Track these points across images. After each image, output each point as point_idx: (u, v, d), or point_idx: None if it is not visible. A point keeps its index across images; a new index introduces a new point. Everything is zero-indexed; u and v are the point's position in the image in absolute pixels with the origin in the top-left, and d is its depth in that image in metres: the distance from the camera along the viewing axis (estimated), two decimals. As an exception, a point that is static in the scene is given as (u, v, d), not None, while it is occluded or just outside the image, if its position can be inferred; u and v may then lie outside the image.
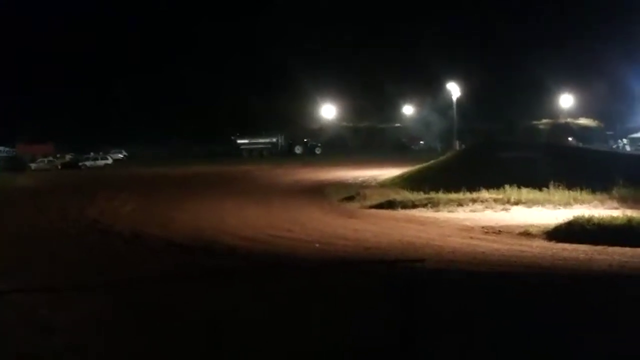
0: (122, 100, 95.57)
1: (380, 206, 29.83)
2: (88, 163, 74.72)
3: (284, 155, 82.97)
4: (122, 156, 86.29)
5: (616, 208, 26.21)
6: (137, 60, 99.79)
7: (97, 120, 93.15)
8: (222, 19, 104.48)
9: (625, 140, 73.44)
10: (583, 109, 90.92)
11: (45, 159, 75.62)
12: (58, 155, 79.74)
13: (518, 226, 22.58)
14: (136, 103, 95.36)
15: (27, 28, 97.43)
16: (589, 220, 21.00)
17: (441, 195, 29.83)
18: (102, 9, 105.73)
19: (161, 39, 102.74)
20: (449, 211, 27.54)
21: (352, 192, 35.01)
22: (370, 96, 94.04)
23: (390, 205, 29.55)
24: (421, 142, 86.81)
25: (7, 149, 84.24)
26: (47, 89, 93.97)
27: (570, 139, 76.81)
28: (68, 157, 79.98)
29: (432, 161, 42.87)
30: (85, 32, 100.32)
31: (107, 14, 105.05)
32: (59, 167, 74.12)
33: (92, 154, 78.54)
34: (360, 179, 44.07)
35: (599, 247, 18.38)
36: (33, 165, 73.24)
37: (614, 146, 71.86)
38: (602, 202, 27.53)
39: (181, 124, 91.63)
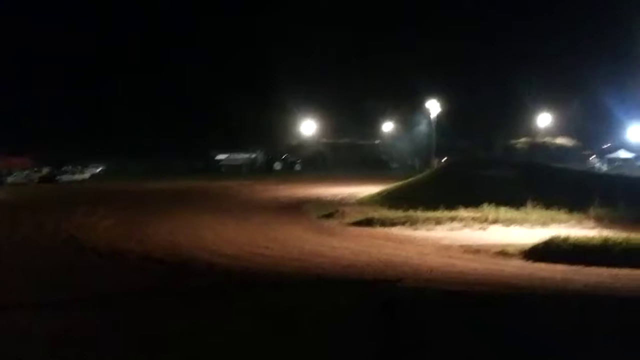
0: (96, 110, 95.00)
1: (359, 224, 29.83)
2: (65, 177, 74.03)
3: (263, 171, 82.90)
4: (99, 170, 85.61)
5: (593, 228, 26.44)
6: (127, 63, 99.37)
7: (78, 128, 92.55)
8: (198, 37, 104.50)
9: (602, 160, 74.27)
10: (561, 128, 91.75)
11: (22, 173, 74.82)
12: (35, 169, 78.94)
13: (496, 245, 22.66)
14: (119, 114, 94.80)
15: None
16: (566, 240, 21.14)
17: (419, 214, 29.92)
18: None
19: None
20: (427, 229, 27.60)
21: (331, 210, 34.98)
22: (350, 113, 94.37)
23: (368, 222, 29.56)
24: (395, 164, 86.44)
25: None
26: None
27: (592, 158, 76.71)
28: (45, 170, 79.13)
29: (410, 179, 43.02)
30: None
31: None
32: (36, 181, 73.39)
33: (70, 167, 77.85)
34: (339, 196, 44.05)
35: (575, 267, 18.50)
36: (9, 179, 72.42)
37: (591, 166, 72.53)
38: (579, 222, 27.77)
39: (159, 139, 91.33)
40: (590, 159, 75.53)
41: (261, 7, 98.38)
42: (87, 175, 76.66)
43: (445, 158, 66.22)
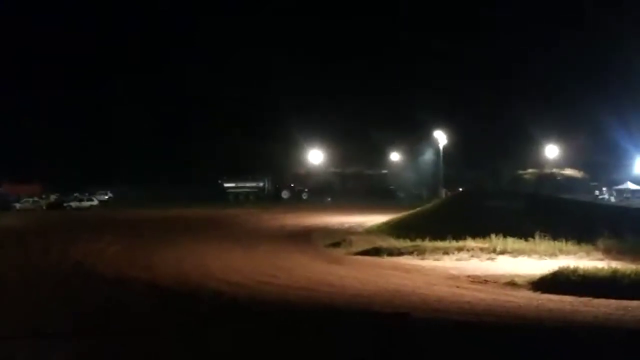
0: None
1: (366, 253, 29.76)
2: (73, 204, 74.34)
3: (270, 199, 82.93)
4: (107, 197, 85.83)
5: (601, 259, 26.26)
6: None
7: (84, 155, 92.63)
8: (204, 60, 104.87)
9: (610, 191, 74.08)
10: (569, 160, 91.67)
11: (31, 199, 75.18)
12: (43, 196, 79.30)
13: (504, 276, 22.54)
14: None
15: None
16: (574, 271, 21.01)
17: (427, 243, 29.84)
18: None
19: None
20: (435, 259, 27.49)
21: (338, 239, 34.93)
22: (357, 142, 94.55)
23: (376, 252, 29.49)
24: (402, 194, 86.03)
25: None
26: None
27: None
28: (53, 197, 79.52)
29: (418, 208, 42.95)
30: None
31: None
32: (44, 207, 73.72)
33: (77, 194, 78.13)
34: (346, 225, 44.04)
35: (584, 299, 18.36)
36: (18, 205, 72.78)
37: (599, 197, 72.34)
38: (587, 253, 27.61)
39: (166, 167, 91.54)
40: (596, 191, 75.33)
41: (270, 42, 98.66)
42: (95, 202, 76.87)
43: (460, 189, 65.60)
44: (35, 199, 76.32)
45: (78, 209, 72.52)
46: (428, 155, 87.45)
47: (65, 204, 74.27)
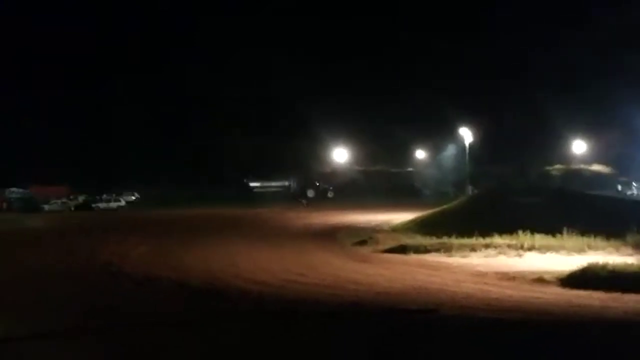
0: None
1: (392, 250, 29.70)
2: (101, 205, 74.98)
3: (296, 198, 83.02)
4: (134, 198, 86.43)
5: (630, 255, 26.03)
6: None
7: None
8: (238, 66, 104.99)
9: (638, 186, 73.24)
10: (596, 155, 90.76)
11: (59, 201, 75.94)
12: (71, 197, 79.99)
13: (532, 272, 22.39)
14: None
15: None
16: (603, 267, 20.83)
17: (454, 240, 29.70)
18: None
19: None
20: (462, 256, 27.37)
21: (364, 237, 34.90)
22: (382, 140, 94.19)
23: (402, 249, 29.41)
24: (428, 192, 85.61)
25: (21, 190, 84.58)
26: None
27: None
28: (81, 198, 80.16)
29: (444, 206, 42.77)
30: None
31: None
32: (72, 208, 74.40)
33: (104, 195, 78.78)
34: (372, 223, 43.98)
35: (613, 294, 18.20)
36: (46, 207, 73.50)
37: (628, 192, 71.54)
38: (616, 249, 27.34)
39: (192, 168, 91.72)
40: (619, 185, 74.49)
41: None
42: (122, 202, 77.43)
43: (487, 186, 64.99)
44: (64, 200, 77.06)
45: (106, 209, 73.11)
46: (454, 153, 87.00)
47: (93, 205, 74.91)
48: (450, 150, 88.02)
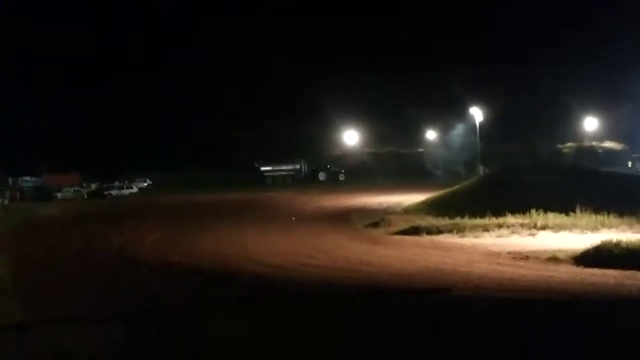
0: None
1: (405, 232, 29.63)
2: (114, 192, 75.36)
3: (307, 181, 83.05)
4: (146, 184, 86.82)
5: (644, 232, 25.85)
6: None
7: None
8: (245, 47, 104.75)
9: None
10: (608, 132, 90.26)
11: (72, 189, 76.31)
12: (84, 185, 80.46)
13: (545, 251, 22.28)
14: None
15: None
16: (617, 244, 20.68)
17: (466, 221, 29.62)
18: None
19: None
20: (475, 237, 27.28)
21: (376, 218, 34.86)
22: (392, 121, 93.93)
23: (415, 231, 29.35)
24: (439, 172, 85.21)
25: (34, 178, 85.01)
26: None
27: None
28: (93, 186, 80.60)
29: (456, 186, 42.64)
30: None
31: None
32: (85, 196, 74.78)
33: (117, 182, 79.14)
34: (384, 205, 43.92)
35: (628, 272, 18.09)
36: (59, 195, 73.91)
37: (639, 169, 71.18)
38: (630, 226, 27.16)
39: (203, 152, 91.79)
40: (629, 162, 74.13)
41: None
42: (134, 189, 77.79)
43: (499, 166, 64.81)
44: (77, 188, 77.52)
45: (118, 197, 73.47)
46: (464, 132, 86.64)
47: (105, 192, 75.29)
48: (460, 130, 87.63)
